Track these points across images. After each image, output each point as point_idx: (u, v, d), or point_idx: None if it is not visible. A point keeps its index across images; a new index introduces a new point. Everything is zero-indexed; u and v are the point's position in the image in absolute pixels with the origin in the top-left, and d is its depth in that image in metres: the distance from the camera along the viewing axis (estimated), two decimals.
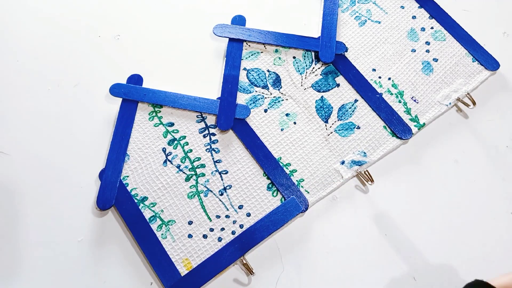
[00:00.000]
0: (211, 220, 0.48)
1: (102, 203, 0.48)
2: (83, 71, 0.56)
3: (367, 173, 0.50)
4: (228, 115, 0.52)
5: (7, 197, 0.49)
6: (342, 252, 0.47)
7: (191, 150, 0.51)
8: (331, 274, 0.46)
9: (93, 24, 0.59)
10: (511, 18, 0.61)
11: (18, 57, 0.57)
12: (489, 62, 0.56)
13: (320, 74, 0.56)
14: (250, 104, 0.54)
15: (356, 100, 0.54)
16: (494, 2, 0.62)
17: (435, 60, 0.57)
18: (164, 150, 0.51)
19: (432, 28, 0.59)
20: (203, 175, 0.50)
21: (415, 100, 0.54)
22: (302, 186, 0.50)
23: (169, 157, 0.51)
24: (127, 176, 0.50)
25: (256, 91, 0.55)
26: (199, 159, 0.51)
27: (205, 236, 0.47)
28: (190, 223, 0.48)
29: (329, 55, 0.56)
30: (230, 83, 0.54)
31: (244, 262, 0.46)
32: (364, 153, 0.51)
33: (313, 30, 0.59)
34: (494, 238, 0.48)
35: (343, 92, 0.55)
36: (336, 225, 0.48)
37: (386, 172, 0.51)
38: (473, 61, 0.57)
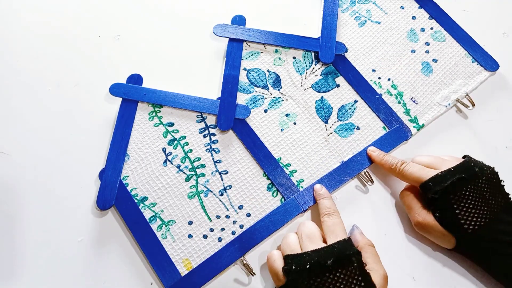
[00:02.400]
0: (211, 220, 0.48)
1: (102, 203, 0.48)
2: (83, 71, 0.56)
3: (367, 174, 0.50)
4: (228, 115, 0.52)
5: (7, 197, 0.49)
6: None
7: (191, 150, 0.51)
8: None
9: (93, 24, 0.59)
10: (511, 18, 0.61)
11: (18, 57, 0.57)
12: (489, 63, 0.56)
13: (320, 75, 0.56)
14: (250, 104, 0.54)
15: (355, 101, 0.54)
16: (494, 2, 0.62)
17: (435, 60, 0.57)
18: (164, 150, 0.51)
19: (431, 28, 0.59)
20: (203, 175, 0.50)
21: (414, 101, 0.54)
22: (302, 187, 0.50)
23: (169, 157, 0.51)
24: (127, 176, 0.50)
25: (256, 91, 0.55)
26: (199, 159, 0.51)
27: (205, 236, 0.47)
28: (190, 223, 0.48)
29: (329, 56, 0.56)
30: (230, 83, 0.54)
31: (245, 262, 0.46)
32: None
33: (313, 30, 0.59)
34: None
35: (343, 93, 0.55)
36: None
37: (385, 172, 0.51)
38: (472, 62, 0.57)
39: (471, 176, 0.43)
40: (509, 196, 0.44)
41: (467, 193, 0.42)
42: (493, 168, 0.45)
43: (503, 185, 0.44)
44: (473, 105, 0.53)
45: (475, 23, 0.59)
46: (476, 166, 0.44)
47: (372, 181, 0.49)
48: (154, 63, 0.57)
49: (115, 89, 0.54)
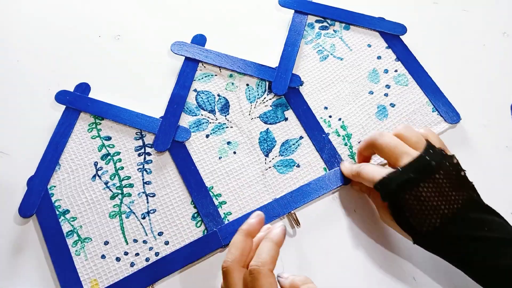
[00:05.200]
0: (127, 243, 0.47)
1: (24, 211, 0.48)
2: (83, 72, 0.57)
3: (294, 216, 0.48)
4: (166, 136, 0.51)
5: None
6: (341, 252, 0.47)
7: (122, 168, 0.50)
8: (331, 274, 0.46)
9: (93, 24, 0.60)
10: (511, 18, 0.60)
11: (18, 57, 0.58)
12: (449, 115, 0.54)
13: (271, 106, 0.54)
14: (193, 127, 0.53)
15: (301, 137, 0.52)
16: (494, 2, 0.61)
17: (392, 105, 0.54)
18: (95, 164, 0.50)
19: (396, 71, 0.56)
20: (129, 195, 0.49)
21: None
22: (228, 220, 0.48)
23: (99, 172, 0.50)
24: (54, 186, 0.49)
25: (202, 115, 0.53)
26: (128, 178, 0.50)
27: (118, 259, 0.46)
28: (106, 243, 0.47)
29: (282, 87, 0.54)
30: (176, 103, 0.53)
31: None
32: None
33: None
34: None
35: (289, 127, 0.53)
36: (335, 225, 0.48)
37: None
38: (433, 111, 0.54)
39: (427, 172, 0.39)
40: (473, 185, 0.41)
41: (420, 193, 0.38)
42: (453, 155, 0.41)
43: (465, 174, 0.40)
44: None
45: (475, 23, 0.59)
46: (433, 159, 0.39)
47: (298, 224, 0.47)
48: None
49: (60, 96, 0.53)
